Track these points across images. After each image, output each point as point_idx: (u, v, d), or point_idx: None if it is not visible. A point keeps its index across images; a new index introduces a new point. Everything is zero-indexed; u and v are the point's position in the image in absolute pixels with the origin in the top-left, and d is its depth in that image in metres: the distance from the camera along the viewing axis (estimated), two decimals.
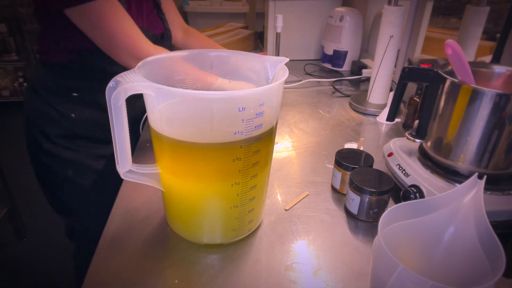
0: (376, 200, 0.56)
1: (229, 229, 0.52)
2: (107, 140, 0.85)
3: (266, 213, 0.60)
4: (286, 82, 1.05)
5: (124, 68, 0.77)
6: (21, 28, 2.98)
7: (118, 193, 0.63)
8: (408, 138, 0.64)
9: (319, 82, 1.24)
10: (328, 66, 1.41)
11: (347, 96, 1.13)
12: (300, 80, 1.23)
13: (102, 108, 0.81)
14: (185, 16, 2.17)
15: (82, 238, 0.96)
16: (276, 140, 0.84)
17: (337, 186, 0.65)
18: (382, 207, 0.57)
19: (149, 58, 0.49)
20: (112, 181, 0.63)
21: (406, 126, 0.88)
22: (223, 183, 0.47)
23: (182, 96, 0.42)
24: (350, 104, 1.06)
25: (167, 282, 0.47)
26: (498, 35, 0.77)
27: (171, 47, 0.96)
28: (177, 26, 1.01)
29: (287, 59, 0.51)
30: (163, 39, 0.89)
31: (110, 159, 0.88)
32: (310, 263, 0.50)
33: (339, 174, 0.64)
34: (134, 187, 0.65)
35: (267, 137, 0.48)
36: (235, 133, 0.43)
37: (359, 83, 1.25)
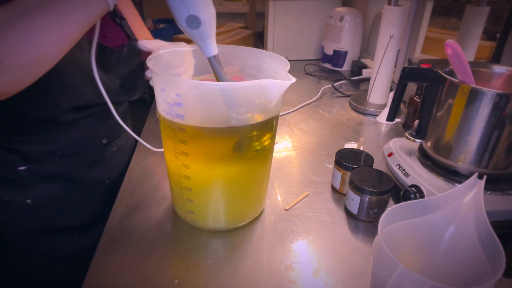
0: (376, 200, 0.56)
1: (235, 213, 0.54)
2: (81, 226, 0.64)
3: (266, 213, 0.60)
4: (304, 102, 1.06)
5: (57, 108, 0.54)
6: None
7: (118, 194, 0.63)
8: (408, 138, 0.64)
9: (334, 93, 1.23)
10: (328, 66, 1.41)
11: (347, 96, 1.13)
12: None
13: (66, 178, 0.60)
14: None
15: None
16: (276, 140, 0.84)
17: (337, 186, 0.65)
18: (382, 207, 0.57)
19: (153, 54, 0.52)
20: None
21: (406, 126, 0.88)
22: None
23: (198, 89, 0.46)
24: (350, 104, 1.06)
25: (167, 282, 0.47)
26: (498, 35, 0.77)
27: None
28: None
29: (294, 80, 0.46)
30: (124, 52, 0.65)
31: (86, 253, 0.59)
32: (310, 263, 0.50)
33: (339, 174, 0.64)
34: (134, 187, 0.65)
35: (268, 126, 0.51)
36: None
37: (359, 83, 1.25)
